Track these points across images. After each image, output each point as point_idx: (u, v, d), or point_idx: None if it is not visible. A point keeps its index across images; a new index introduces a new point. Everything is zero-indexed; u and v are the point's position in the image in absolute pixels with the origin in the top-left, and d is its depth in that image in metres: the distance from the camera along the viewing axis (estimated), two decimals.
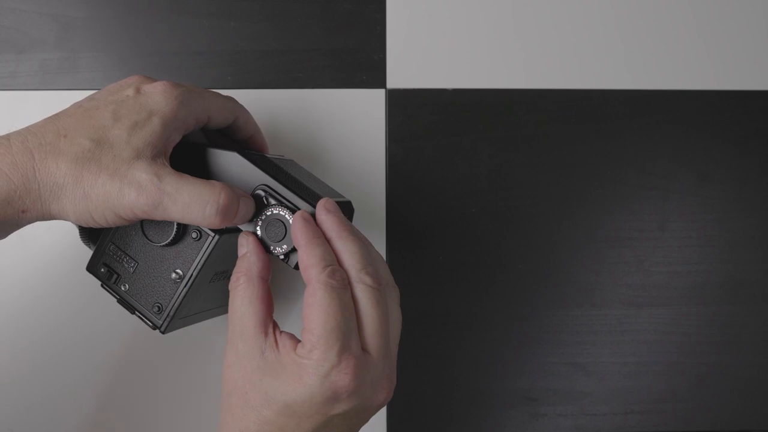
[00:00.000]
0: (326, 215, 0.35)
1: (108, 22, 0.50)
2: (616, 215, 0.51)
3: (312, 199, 0.36)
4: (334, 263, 0.34)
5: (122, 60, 0.50)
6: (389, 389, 0.34)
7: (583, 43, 0.51)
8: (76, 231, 0.48)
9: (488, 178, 0.50)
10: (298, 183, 0.38)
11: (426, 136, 0.50)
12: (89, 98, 0.36)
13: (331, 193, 0.40)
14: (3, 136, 0.33)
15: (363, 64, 0.50)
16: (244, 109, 0.41)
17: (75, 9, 0.50)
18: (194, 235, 0.37)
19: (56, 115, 0.35)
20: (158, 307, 0.38)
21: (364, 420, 0.35)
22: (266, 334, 0.34)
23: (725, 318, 0.51)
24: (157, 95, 0.35)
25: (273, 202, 0.36)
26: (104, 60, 0.50)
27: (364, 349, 0.33)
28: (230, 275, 0.41)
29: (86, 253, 0.41)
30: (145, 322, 0.38)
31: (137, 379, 0.49)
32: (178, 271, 0.37)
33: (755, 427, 0.51)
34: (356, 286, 0.34)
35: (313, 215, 0.36)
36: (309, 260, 0.34)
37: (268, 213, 0.36)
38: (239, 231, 0.37)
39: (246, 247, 0.36)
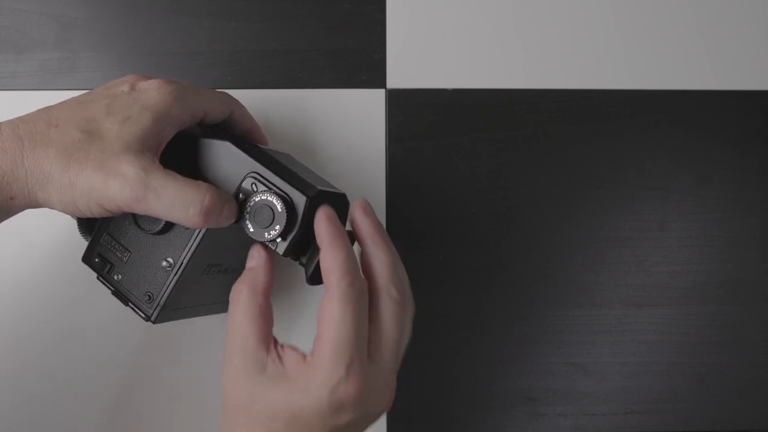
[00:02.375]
0: (363, 218, 0.35)
1: (108, 22, 0.50)
2: (616, 215, 0.51)
3: (303, 187, 0.36)
4: (354, 270, 0.34)
5: (122, 60, 0.50)
6: (391, 398, 0.35)
7: (583, 43, 0.51)
8: (72, 224, 0.48)
9: (488, 178, 0.50)
10: (290, 172, 0.37)
11: (426, 136, 0.50)
12: (86, 93, 0.36)
13: (325, 184, 0.40)
14: None
15: (363, 64, 0.50)
16: (239, 103, 0.41)
17: (75, 9, 0.50)
18: None
19: (50, 106, 0.35)
20: (149, 296, 0.37)
21: (365, 427, 0.35)
22: (268, 349, 0.34)
23: (725, 318, 0.51)
24: (151, 91, 0.35)
25: (262, 188, 0.35)
26: (104, 60, 0.50)
27: (373, 358, 0.34)
28: (225, 270, 0.41)
29: (81, 246, 0.41)
30: (138, 313, 0.38)
31: (135, 375, 0.49)
32: (169, 259, 0.37)
33: (755, 427, 0.51)
34: (382, 296, 0.34)
35: (309, 205, 0.35)
36: (331, 264, 0.33)
37: (256, 199, 0.35)
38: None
39: (256, 260, 0.36)
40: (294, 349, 0.34)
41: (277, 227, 0.35)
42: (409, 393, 0.50)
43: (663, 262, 0.51)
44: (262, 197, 0.35)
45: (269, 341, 0.34)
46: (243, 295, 0.35)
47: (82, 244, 0.40)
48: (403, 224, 0.50)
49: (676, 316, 0.51)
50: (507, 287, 0.50)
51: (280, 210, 0.35)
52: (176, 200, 0.33)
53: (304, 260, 0.36)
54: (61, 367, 0.49)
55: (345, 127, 0.50)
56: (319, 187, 0.36)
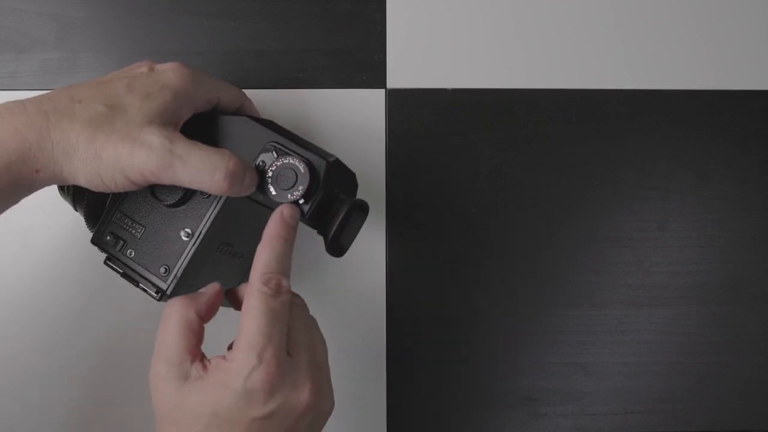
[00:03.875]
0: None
1: (108, 22, 0.50)
2: (616, 215, 0.51)
3: (322, 154, 0.37)
4: (274, 270, 0.35)
5: (122, 60, 0.50)
6: (313, 391, 0.34)
7: (583, 43, 0.51)
8: (72, 226, 0.48)
9: (488, 178, 0.50)
10: (307, 142, 0.38)
11: (426, 136, 0.50)
12: (104, 76, 0.37)
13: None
14: (17, 100, 0.34)
15: (363, 64, 0.50)
16: (249, 98, 0.43)
17: (75, 9, 0.50)
18: (203, 193, 0.37)
19: (70, 85, 0.36)
20: (165, 268, 0.37)
21: (292, 425, 0.34)
22: (193, 361, 0.34)
23: (725, 318, 0.51)
24: (170, 72, 0.37)
25: (283, 155, 0.36)
26: (104, 60, 0.50)
27: (290, 353, 0.34)
28: (236, 253, 0.41)
29: (81, 248, 0.40)
30: (148, 293, 0.38)
31: (137, 376, 0.49)
32: (187, 229, 0.37)
33: (755, 427, 0.51)
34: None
35: (323, 169, 0.36)
36: (256, 261, 0.35)
37: (278, 163, 0.36)
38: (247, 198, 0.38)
39: (207, 289, 0.36)
40: (217, 356, 0.34)
41: (301, 188, 0.36)
42: (409, 393, 0.50)
43: (663, 262, 0.51)
44: (285, 161, 0.36)
45: (196, 354, 0.34)
46: (176, 307, 0.35)
47: (82, 246, 0.40)
48: (402, 224, 0.50)
49: (676, 316, 0.51)
50: (507, 287, 0.50)
51: (303, 171, 0.36)
52: (202, 166, 0.34)
53: (321, 230, 0.37)
54: (61, 369, 0.49)
55: (345, 127, 0.50)
56: (338, 157, 0.37)
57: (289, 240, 0.36)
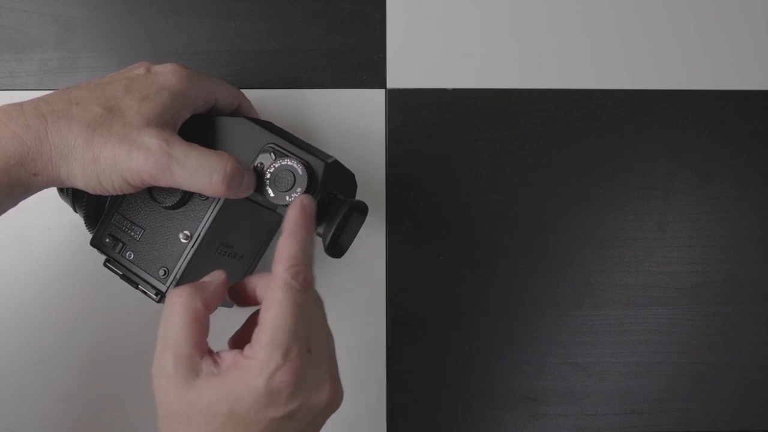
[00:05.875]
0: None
1: (108, 22, 0.50)
2: (616, 215, 0.51)
3: (321, 155, 0.37)
4: (301, 264, 0.33)
5: (122, 60, 0.50)
6: (332, 389, 0.33)
7: (582, 42, 0.51)
8: (72, 226, 0.48)
9: (488, 178, 0.50)
10: (306, 143, 0.38)
11: (426, 136, 0.50)
12: (102, 77, 0.37)
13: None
14: (15, 103, 0.34)
15: (363, 64, 0.50)
16: (246, 98, 0.43)
17: (75, 9, 0.50)
18: (202, 195, 0.37)
19: (69, 87, 0.36)
20: (165, 270, 0.38)
21: (314, 427, 0.34)
22: (202, 356, 0.32)
23: (725, 318, 0.51)
24: (168, 74, 0.37)
25: (282, 156, 0.36)
26: (104, 60, 0.50)
27: (310, 349, 0.33)
28: (235, 254, 0.41)
29: (80, 248, 0.40)
30: (148, 294, 0.38)
31: (134, 375, 0.49)
32: (186, 231, 0.37)
33: (755, 427, 0.51)
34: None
35: (321, 171, 0.36)
36: (281, 253, 0.33)
37: (276, 165, 0.36)
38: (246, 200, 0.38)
39: (212, 278, 0.35)
40: (230, 351, 0.33)
41: (299, 190, 0.36)
42: (410, 393, 0.50)
43: (663, 262, 0.51)
44: (283, 162, 0.36)
45: (204, 348, 0.32)
46: (181, 298, 0.33)
47: (82, 246, 0.40)
48: (402, 224, 0.50)
49: (676, 316, 0.51)
50: (507, 287, 0.50)
51: (301, 173, 0.36)
52: (199, 168, 0.34)
53: (320, 230, 0.37)
54: (61, 370, 0.49)
55: (345, 127, 0.50)
56: (337, 158, 0.37)
57: (311, 230, 0.34)
